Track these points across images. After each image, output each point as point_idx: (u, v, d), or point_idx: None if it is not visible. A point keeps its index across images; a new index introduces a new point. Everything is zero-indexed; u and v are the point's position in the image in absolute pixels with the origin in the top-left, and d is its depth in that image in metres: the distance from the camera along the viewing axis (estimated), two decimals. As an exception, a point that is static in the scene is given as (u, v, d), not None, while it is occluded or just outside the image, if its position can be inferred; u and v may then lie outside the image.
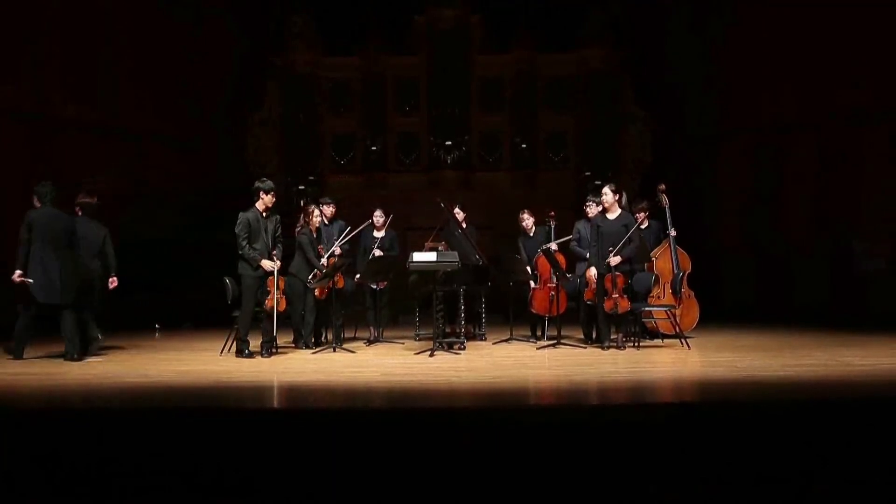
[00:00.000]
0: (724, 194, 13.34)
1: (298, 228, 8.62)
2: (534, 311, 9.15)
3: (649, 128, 14.62)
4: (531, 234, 9.33)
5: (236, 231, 7.82)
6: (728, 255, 12.83)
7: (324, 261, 8.46)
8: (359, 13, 14.48)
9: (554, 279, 8.65)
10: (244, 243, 7.77)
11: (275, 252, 7.95)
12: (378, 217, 9.58)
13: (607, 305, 7.99)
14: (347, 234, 8.97)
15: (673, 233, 9.03)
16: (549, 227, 9.08)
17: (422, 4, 14.72)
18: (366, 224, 9.44)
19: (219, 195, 12.33)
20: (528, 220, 9.37)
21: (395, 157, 14.89)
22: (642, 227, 8.93)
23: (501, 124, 14.90)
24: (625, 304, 7.97)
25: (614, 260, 7.89)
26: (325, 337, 8.99)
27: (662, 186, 9.15)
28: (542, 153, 14.81)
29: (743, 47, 12.87)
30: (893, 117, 10.94)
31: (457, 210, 9.55)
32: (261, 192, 7.94)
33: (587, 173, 14.04)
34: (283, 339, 8.74)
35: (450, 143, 14.44)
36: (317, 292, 8.52)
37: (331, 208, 9.22)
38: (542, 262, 8.84)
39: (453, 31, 14.64)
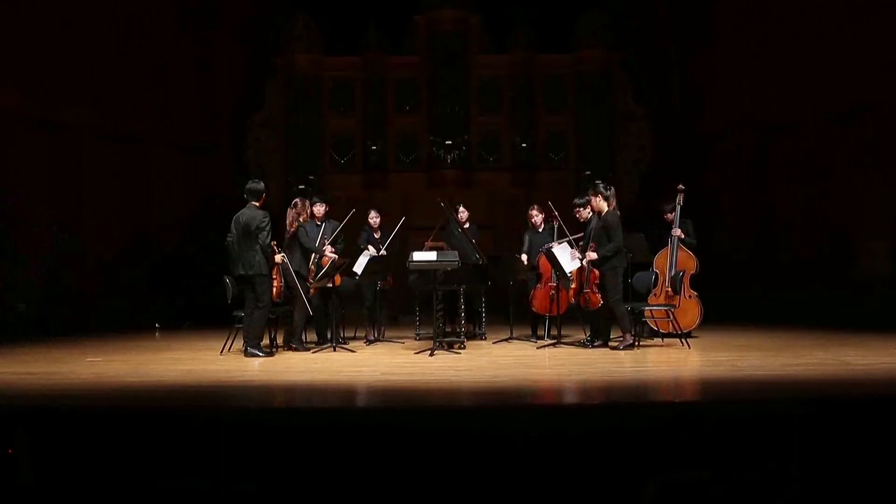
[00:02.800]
0: (724, 194, 13.32)
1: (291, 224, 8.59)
2: (535, 310, 9.17)
3: (649, 128, 14.63)
4: (539, 230, 9.37)
5: (267, 228, 7.81)
6: (727, 255, 12.81)
7: (327, 250, 8.45)
8: (359, 13, 14.47)
9: (555, 279, 8.67)
10: (269, 240, 7.82)
11: (274, 242, 8.06)
12: (374, 218, 9.59)
13: (579, 300, 8.12)
14: (338, 232, 8.98)
15: (677, 232, 9.06)
16: (553, 226, 9.14)
17: (422, 4, 14.74)
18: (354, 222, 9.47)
19: (223, 197, 12.36)
20: (537, 217, 9.41)
21: (395, 156, 14.90)
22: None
23: (501, 124, 14.91)
24: (595, 300, 8.07)
25: (591, 255, 8.01)
26: (325, 336, 8.96)
27: (681, 186, 9.20)
28: (541, 153, 14.84)
29: (743, 47, 12.86)
30: (892, 116, 10.92)
31: (461, 209, 9.58)
32: (263, 194, 8.02)
33: (587, 173, 14.03)
34: (281, 338, 8.75)
35: (450, 142, 14.45)
36: (311, 291, 8.51)
37: (321, 207, 9.12)
38: (544, 261, 8.85)
39: (453, 32, 14.65)
